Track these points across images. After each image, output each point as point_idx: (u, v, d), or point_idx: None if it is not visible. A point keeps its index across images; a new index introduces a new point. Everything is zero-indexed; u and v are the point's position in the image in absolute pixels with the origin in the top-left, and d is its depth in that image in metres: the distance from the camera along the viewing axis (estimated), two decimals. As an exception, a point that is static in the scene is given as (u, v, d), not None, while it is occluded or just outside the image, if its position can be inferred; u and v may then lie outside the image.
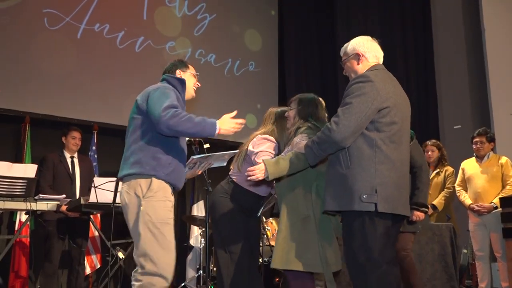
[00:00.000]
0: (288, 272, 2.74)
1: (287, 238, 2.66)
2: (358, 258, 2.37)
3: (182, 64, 3.05)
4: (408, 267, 3.74)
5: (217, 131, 2.64)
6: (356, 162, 2.38)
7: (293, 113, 3.00)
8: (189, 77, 3.02)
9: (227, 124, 2.69)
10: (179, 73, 3.00)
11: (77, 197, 4.67)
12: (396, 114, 2.44)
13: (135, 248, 2.64)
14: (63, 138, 4.98)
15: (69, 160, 4.95)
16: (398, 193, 2.40)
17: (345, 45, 2.72)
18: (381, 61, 2.67)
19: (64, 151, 4.97)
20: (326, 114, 3.08)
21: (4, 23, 5.52)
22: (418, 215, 3.50)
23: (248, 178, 2.64)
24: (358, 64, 2.63)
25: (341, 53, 2.74)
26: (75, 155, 5.01)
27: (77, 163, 4.99)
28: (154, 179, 2.65)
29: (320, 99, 3.09)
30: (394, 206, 2.37)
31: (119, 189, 2.78)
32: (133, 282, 2.59)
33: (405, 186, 2.49)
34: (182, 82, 2.95)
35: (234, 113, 2.77)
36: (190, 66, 3.08)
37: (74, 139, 4.97)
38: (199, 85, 3.11)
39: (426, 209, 3.55)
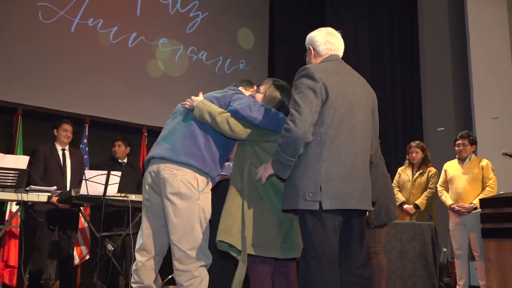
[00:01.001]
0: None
1: (224, 212, 2.64)
2: (304, 254, 2.36)
3: (248, 83, 3.08)
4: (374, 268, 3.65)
5: None
6: (302, 161, 2.34)
7: (260, 97, 2.84)
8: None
9: None
10: (242, 89, 3.00)
11: (68, 189, 4.65)
12: (342, 105, 2.36)
13: (179, 237, 2.58)
14: (55, 131, 4.95)
15: (60, 153, 4.91)
16: (349, 187, 2.31)
17: None
18: (338, 52, 2.62)
19: (56, 143, 4.94)
20: None
21: (-2, 15, 5.47)
22: None
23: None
24: (311, 58, 2.63)
25: None
26: (67, 147, 4.98)
27: (68, 156, 4.95)
28: (210, 179, 2.71)
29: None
30: (344, 201, 2.29)
31: (162, 168, 2.64)
32: (187, 281, 2.56)
33: (360, 179, 2.37)
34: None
35: None
36: (255, 87, 3.08)
37: (65, 131, 4.94)
38: None
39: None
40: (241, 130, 2.63)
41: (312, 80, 2.34)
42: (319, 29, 2.66)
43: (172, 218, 2.59)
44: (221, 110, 2.68)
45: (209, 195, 2.72)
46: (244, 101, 2.67)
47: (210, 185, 2.74)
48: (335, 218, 2.33)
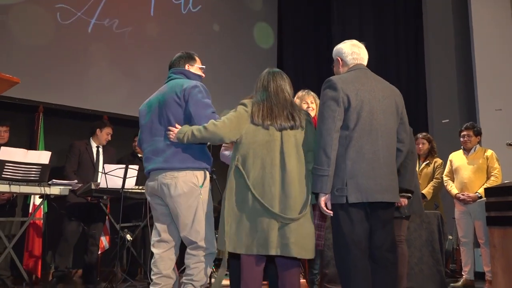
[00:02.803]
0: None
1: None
2: (335, 243, 2.57)
3: (190, 57, 2.97)
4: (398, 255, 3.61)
5: None
6: None
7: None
8: (196, 70, 2.97)
9: None
10: (187, 67, 2.93)
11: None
12: (363, 109, 2.52)
13: (189, 231, 2.69)
14: (98, 130, 4.98)
15: (94, 150, 4.97)
16: (372, 183, 2.47)
17: None
18: (363, 61, 2.75)
19: (91, 140, 4.98)
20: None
21: (19, 18, 5.48)
22: (400, 200, 3.21)
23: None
24: (339, 68, 2.78)
25: None
26: (101, 145, 5.03)
27: (102, 153, 5.01)
28: (206, 171, 2.78)
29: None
30: (369, 194, 2.46)
31: (162, 176, 2.72)
32: (194, 263, 2.69)
33: (383, 175, 2.52)
34: (200, 78, 2.94)
35: None
36: (197, 59, 3.00)
37: (108, 134, 5.02)
38: (203, 76, 3.04)
39: (408, 194, 3.28)
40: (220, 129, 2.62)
41: (334, 90, 2.52)
42: (345, 41, 2.82)
43: (181, 216, 2.69)
44: (195, 127, 2.64)
45: (208, 188, 2.79)
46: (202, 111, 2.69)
47: (208, 176, 2.80)
48: (361, 210, 2.51)
